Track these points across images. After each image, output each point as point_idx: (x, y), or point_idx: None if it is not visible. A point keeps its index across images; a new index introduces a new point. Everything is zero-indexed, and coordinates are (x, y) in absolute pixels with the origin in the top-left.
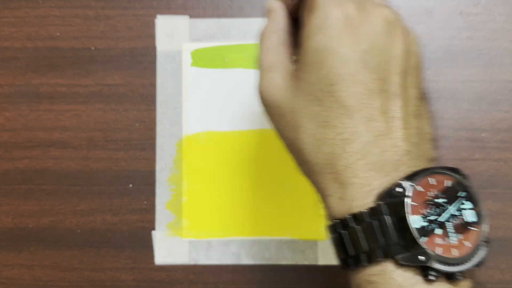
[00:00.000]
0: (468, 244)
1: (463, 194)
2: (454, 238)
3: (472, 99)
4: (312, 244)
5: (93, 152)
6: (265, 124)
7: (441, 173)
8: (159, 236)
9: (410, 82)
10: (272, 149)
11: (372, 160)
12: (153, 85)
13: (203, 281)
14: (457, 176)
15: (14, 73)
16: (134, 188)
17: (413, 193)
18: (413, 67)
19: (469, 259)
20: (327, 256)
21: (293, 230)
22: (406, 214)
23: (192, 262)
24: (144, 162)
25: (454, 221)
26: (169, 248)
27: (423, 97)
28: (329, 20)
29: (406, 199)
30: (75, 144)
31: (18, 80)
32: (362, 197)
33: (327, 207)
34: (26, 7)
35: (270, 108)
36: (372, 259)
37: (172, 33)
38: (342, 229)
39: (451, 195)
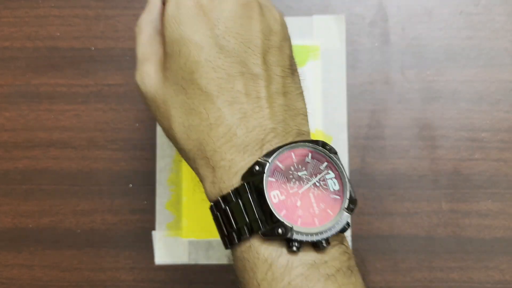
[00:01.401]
0: (330, 212)
1: (325, 164)
2: (316, 208)
3: (472, 99)
4: None
5: (93, 152)
6: None
7: (301, 147)
8: (159, 236)
9: (272, 61)
10: None
11: (237, 142)
12: None
13: (203, 281)
14: (318, 147)
15: (14, 73)
16: (134, 188)
17: (272, 169)
18: (275, 46)
19: (332, 227)
20: None
21: None
22: (264, 190)
23: (192, 262)
24: (144, 162)
25: (317, 192)
26: (169, 248)
27: (291, 73)
28: (180, 9)
29: (264, 176)
30: (75, 144)
31: (18, 80)
32: (229, 178)
33: (205, 191)
34: (26, 7)
35: (146, 98)
36: (240, 237)
37: None
38: (217, 211)
39: (313, 167)
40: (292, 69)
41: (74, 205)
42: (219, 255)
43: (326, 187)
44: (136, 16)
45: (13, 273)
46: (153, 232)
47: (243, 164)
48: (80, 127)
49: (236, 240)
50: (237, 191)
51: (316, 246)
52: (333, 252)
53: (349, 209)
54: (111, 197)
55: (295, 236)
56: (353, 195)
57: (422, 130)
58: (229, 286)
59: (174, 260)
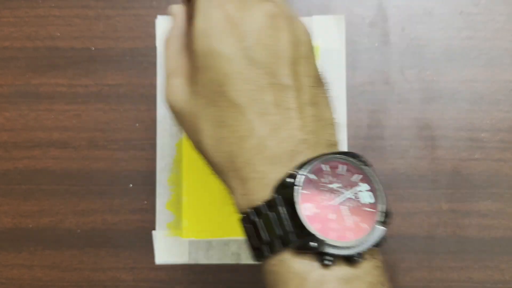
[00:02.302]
0: (364, 225)
1: (359, 177)
2: (349, 221)
3: (472, 99)
4: None
5: (93, 152)
6: None
7: (335, 159)
8: (159, 236)
9: (301, 71)
10: None
11: (268, 154)
12: (153, 85)
13: (203, 281)
14: (351, 160)
15: (14, 73)
16: (134, 188)
17: (304, 182)
18: (303, 56)
19: (366, 241)
20: None
21: None
22: (297, 203)
23: (192, 262)
24: (144, 162)
25: (350, 205)
26: (169, 248)
27: (319, 83)
28: (210, 22)
29: (296, 188)
30: (75, 144)
31: (18, 80)
32: (260, 190)
33: (235, 203)
34: (26, 7)
35: (175, 113)
36: (273, 250)
37: None
38: (248, 223)
39: (346, 179)
40: (319, 79)
41: (74, 205)
42: (219, 255)
43: (359, 199)
44: (136, 16)
45: (13, 273)
46: (153, 232)
47: (275, 175)
48: (80, 127)
49: (267, 253)
50: (269, 204)
51: (349, 260)
52: (366, 267)
53: (384, 223)
54: (111, 197)
55: (328, 250)
56: (387, 208)
57: (422, 130)
58: (229, 286)
59: (174, 260)
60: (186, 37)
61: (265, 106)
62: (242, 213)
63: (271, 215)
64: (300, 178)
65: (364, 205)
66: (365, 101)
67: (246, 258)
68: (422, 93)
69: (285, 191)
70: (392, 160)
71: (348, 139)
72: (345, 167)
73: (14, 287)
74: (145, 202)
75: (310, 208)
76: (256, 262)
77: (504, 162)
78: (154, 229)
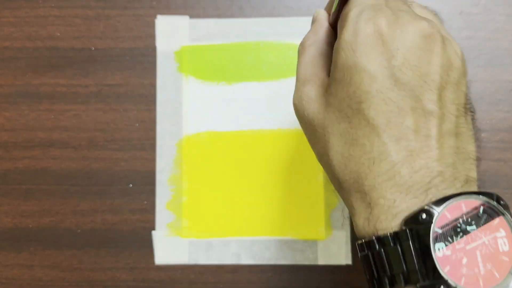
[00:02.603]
0: (497, 274)
1: (497, 221)
2: (482, 268)
3: (472, 99)
4: (312, 244)
5: (93, 152)
6: (265, 124)
7: (474, 199)
8: (159, 236)
9: (448, 98)
10: (272, 149)
11: (400, 182)
12: (153, 85)
13: (203, 281)
14: (491, 202)
15: (14, 73)
16: (134, 188)
17: (440, 220)
18: (453, 82)
19: None
20: (327, 256)
21: (293, 230)
22: (430, 243)
23: (192, 262)
24: (144, 162)
25: (485, 250)
26: (169, 248)
27: (465, 113)
28: (359, 36)
29: (431, 226)
30: (75, 144)
31: (18, 80)
32: (387, 219)
33: (355, 225)
34: (26, 7)
35: (302, 121)
36: (393, 284)
37: (172, 33)
38: (368, 250)
39: (483, 222)
40: (466, 108)
41: (74, 205)
42: (219, 255)
43: (495, 246)
44: (136, 16)
45: (13, 273)
46: (153, 232)
47: (405, 206)
48: (80, 127)
49: (387, 286)
50: (397, 236)
51: None
52: None
53: None
54: (111, 197)
55: None
56: None
57: None
58: (229, 286)
59: (174, 260)
60: (325, 44)
61: (404, 131)
62: (363, 238)
63: (398, 248)
64: (436, 216)
65: (499, 252)
66: None
67: (246, 258)
68: None
69: (417, 226)
70: None
71: None
72: (483, 208)
73: (14, 287)
74: (145, 202)
75: (442, 249)
76: None
77: (504, 162)
78: (154, 229)
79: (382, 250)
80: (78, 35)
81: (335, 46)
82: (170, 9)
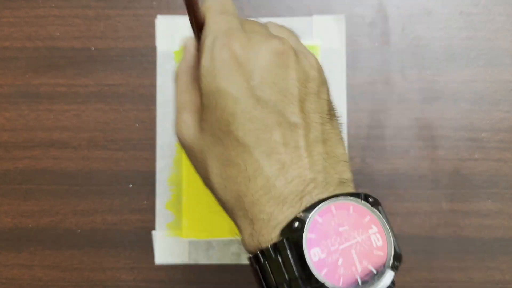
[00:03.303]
0: (373, 270)
1: (367, 218)
2: (358, 266)
3: (472, 99)
4: None
5: (93, 152)
6: None
7: (342, 200)
8: (159, 236)
9: (310, 108)
10: None
11: (276, 194)
12: (153, 85)
13: (203, 281)
14: (359, 201)
15: (14, 73)
16: (134, 188)
17: (312, 226)
18: (312, 92)
19: (374, 285)
20: None
21: None
22: (304, 249)
23: (192, 262)
24: (144, 162)
25: (360, 248)
26: (169, 248)
27: (330, 119)
28: (216, 62)
29: (303, 233)
30: (75, 144)
31: (18, 80)
32: (268, 232)
33: (242, 241)
34: (26, 7)
35: (184, 148)
36: None
37: (172, 33)
38: (255, 264)
39: (355, 221)
40: (330, 114)
41: (74, 205)
42: (219, 255)
43: (369, 242)
44: (136, 16)
45: (13, 273)
46: (153, 232)
47: (283, 217)
48: (80, 127)
49: None
50: (276, 247)
51: None
52: None
53: (394, 267)
54: (111, 197)
55: None
56: (398, 250)
57: (422, 130)
58: (229, 286)
59: (174, 260)
60: (196, 70)
61: (273, 146)
62: (251, 253)
63: (278, 259)
64: (307, 222)
65: (373, 248)
66: (365, 101)
67: (246, 258)
68: (422, 93)
69: (292, 235)
70: (392, 160)
71: (348, 139)
72: (352, 208)
73: (14, 287)
74: (145, 202)
75: (317, 253)
76: None
77: (504, 162)
78: (154, 229)
79: (266, 262)
80: (78, 35)
81: (198, 73)
82: (170, 9)
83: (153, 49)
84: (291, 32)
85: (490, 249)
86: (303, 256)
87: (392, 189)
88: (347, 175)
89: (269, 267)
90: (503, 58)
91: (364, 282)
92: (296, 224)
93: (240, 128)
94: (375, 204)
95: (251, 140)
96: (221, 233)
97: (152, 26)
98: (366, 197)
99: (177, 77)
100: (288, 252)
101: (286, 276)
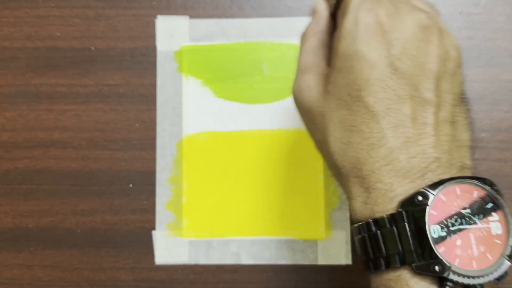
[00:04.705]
0: (490, 257)
1: (490, 206)
2: (475, 250)
3: (472, 99)
4: (312, 244)
5: (93, 152)
6: (265, 124)
7: (468, 183)
8: (159, 236)
9: (445, 87)
10: (272, 149)
11: (398, 166)
12: (153, 85)
13: (203, 281)
14: (486, 187)
15: (14, 73)
16: (134, 188)
17: (435, 202)
18: (450, 72)
19: (490, 272)
20: (327, 256)
21: (293, 230)
22: (425, 223)
23: (192, 262)
24: (144, 162)
25: (478, 233)
26: (169, 248)
27: (460, 103)
28: (359, 25)
29: (426, 208)
30: (75, 144)
31: (18, 80)
32: (384, 202)
33: (352, 209)
34: (26, 7)
35: (301, 109)
36: (389, 265)
37: (172, 33)
38: (365, 232)
39: (478, 206)
40: (462, 98)
41: (74, 205)
42: (219, 255)
43: (488, 229)
44: (136, 16)
45: (13, 273)
46: (153, 232)
47: (402, 190)
48: (80, 127)
49: (383, 267)
50: (393, 218)
51: None
52: None
53: (511, 257)
54: (111, 197)
55: (451, 276)
56: None
57: None
58: (229, 286)
59: (174, 260)
60: (326, 35)
61: (401, 118)
62: (360, 221)
63: (393, 229)
64: (432, 198)
65: (492, 235)
66: None
67: (246, 258)
68: None
69: (413, 208)
70: None
71: None
72: (477, 193)
73: (14, 287)
74: (145, 202)
75: (437, 231)
76: (368, 273)
77: (504, 162)
78: (154, 229)
79: (378, 232)
80: (78, 35)
81: (335, 35)
82: (170, 9)
83: (153, 49)
84: (433, 7)
85: None
86: (422, 230)
87: None
88: (468, 161)
89: (382, 236)
90: (503, 58)
91: (479, 267)
92: (420, 198)
93: (371, 95)
94: (499, 192)
95: (381, 109)
96: (221, 233)
97: (152, 26)
98: (491, 184)
99: (304, 38)
100: (406, 225)
101: (400, 248)
